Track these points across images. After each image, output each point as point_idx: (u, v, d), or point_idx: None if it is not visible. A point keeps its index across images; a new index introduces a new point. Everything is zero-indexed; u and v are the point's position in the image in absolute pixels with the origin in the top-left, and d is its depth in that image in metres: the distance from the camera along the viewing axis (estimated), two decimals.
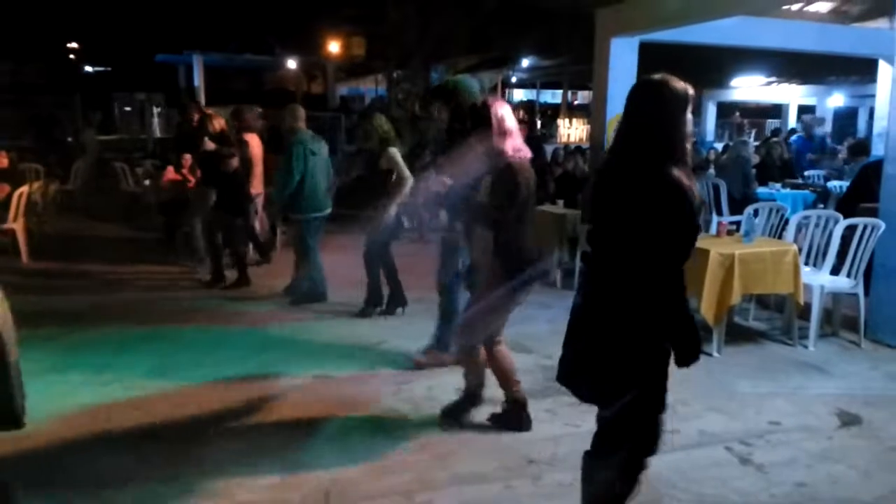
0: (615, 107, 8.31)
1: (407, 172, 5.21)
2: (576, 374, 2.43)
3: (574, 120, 17.86)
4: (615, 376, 2.29)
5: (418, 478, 3.17)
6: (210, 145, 6.31)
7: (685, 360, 2.28)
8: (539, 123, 19.42)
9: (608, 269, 2.30)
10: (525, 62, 17.08)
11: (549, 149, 10.62)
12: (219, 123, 6.51)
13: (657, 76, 2.24)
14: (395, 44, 15.49)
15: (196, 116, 7.02)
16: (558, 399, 4.04)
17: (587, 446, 2.49)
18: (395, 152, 5.29)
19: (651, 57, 8.47)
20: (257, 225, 7.06)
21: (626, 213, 2.21)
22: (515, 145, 3.36)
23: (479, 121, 3.35)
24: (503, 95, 19.47)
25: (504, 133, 3.33)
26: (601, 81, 8.46)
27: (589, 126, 9.17)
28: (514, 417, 3.66)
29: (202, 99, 17.21)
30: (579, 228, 6.42)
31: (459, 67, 16.47)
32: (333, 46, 18.26)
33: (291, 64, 20.68)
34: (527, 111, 20.90)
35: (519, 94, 23.17)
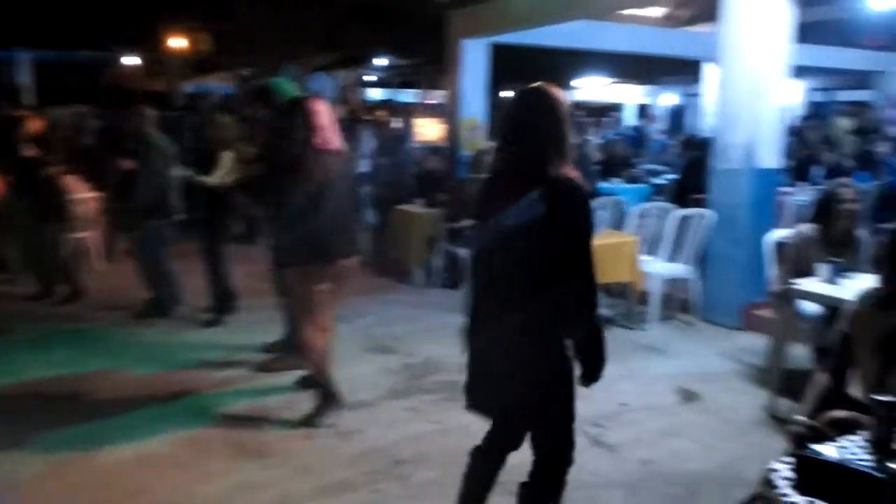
0: (468, 107, 8.51)
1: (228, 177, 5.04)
2: (489, 394, 2.37)
3: (429, 119, 18.09)
4: (531, 388, 2.26)
5: (282, 494, 3.06)
6: (29, 150, 5.73)
7: (596, 371, 2.28)
8: (396, 122, 19.43)
9: (513, 278, 2.24)
10: (381, 62, 17.07)
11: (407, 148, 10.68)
12: (35, 126, 5.94)
13: (540, 84, 2.32)
14: (244, 40, 14.95)
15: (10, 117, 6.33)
16: (420, 397, 4.07)
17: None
18: (228, 156, 5.06)
19: (502, 58, 8.76)
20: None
21: (533, 218, 2.17)
22: (325, 139, 3.51)
23: (292, 117, 3.52)
24: (358, 94, 19.34)
25: (315, 128, 3.49)
26: (454, 82, 8.61)
27: (444, 125, 9.30)
28: (324, 406, 3.69)
29: (31, 99, 15.72)
30: (441, 227, 6.50)
31: (315, 65, 16.17)
32: (176, 42, 17.29)
33: (131, 60, 19.39)
34: (385, 110, 20.86)
35: (377, 94, 23.22)
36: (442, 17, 8.32)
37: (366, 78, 19.75)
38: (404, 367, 4.49)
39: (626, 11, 9.10)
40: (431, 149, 8.97)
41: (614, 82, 17.97)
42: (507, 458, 2.44)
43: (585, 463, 3.29)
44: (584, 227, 2.19)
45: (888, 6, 6.30)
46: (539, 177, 2.16)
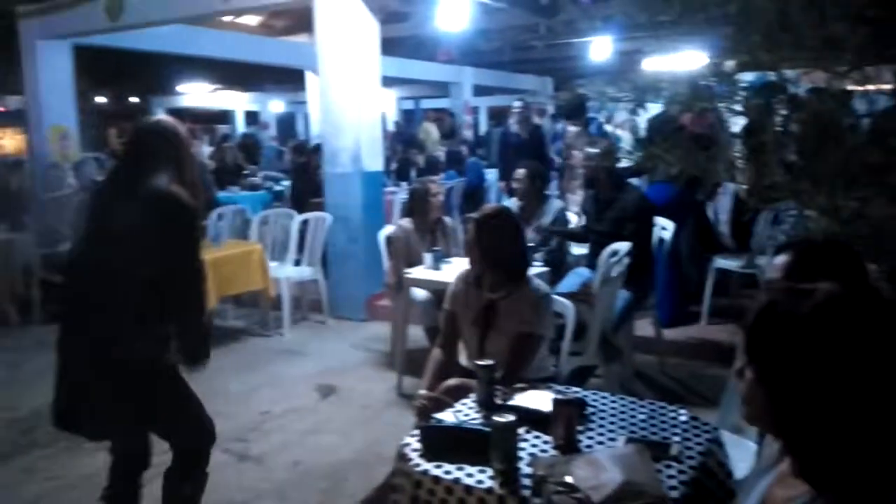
0: (53, 114, 7.53)
1: None
2: (80, 412, 2.20)
3: (6, 129, 15.59)
4: (128, 398, 2.17)
5: None
6: None
7: (198, 356, 2.29)
8: None
9: (108, 290, 2.15)
10: None
11: None
12: None
13: (155, 119, 2.43)
14: None
15: None
16: (34, 454, 3.51)
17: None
18: None
19: (92, 62, 7.92)
20: None
21: (134, 233, 2.14)
22: None
23: None
24: None
25: None
26: (33, 88, 7.53)
27: (24, 136, 8.07)
28: None
29: None
30: (33, 253, 5.64)
31: None
32: None
33: None
34: None
35: None
36: (11, 13, 7.19)
37: None
38: (9, 423, 3.82)
39: (226, 18, 9.01)
40: (11, 163, 7.70)
41: (218, 89, 17.66)
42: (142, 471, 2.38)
43: (233, 480, 3.24)
44: (188, 243, 2.23)
45: (452, 26, 7.35)
46: (142, 192, 2.16)
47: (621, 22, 3.03)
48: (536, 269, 3.90)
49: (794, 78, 2.42)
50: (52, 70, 7.41)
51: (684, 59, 3.05)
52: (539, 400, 2.06)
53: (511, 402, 2.09)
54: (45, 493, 3.15)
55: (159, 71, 10.37)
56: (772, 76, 2.43)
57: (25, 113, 7.86)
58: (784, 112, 2.39)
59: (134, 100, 18.29)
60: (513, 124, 7.41)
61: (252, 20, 10.01)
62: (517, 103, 7.35)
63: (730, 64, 2.53)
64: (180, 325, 2.25)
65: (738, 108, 2.53)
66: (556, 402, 1.87)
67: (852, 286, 1.03)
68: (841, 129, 2.39)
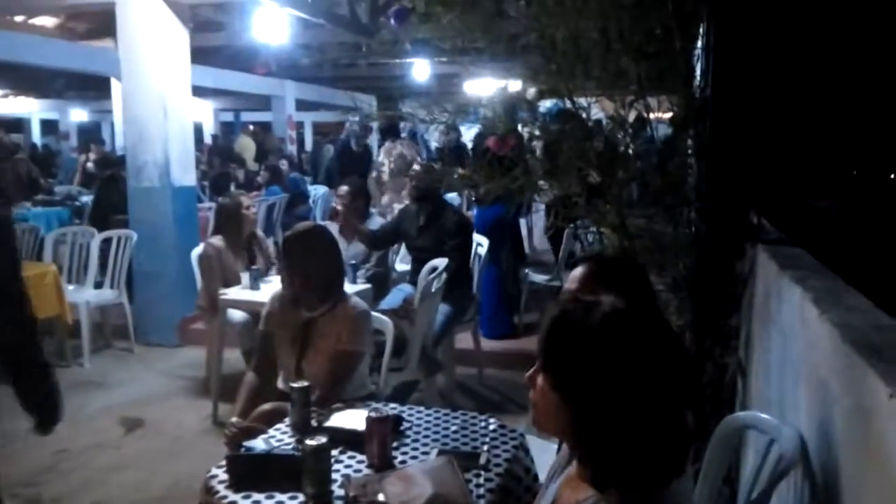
0: None
1: None
2: None
3: None
4: None
5: None
6: None
7: (53, 415, 2.03)
8: None
9: None
10: None
11: None
12: None
13: None
14: None
15: None
16: None
17: None
18: None
19: None
20: None
21: None
22: None
23: None
24: None
25: None
26: None
27: None
28: None
29: None
30: None
31: None
32: None
33: None
34: None
35: None
36: None
37: None
38: None
39: (17, 18, 8.15)
40: None
41: (10, 94, 15.93)
42: None
43: None
44: (10, 264, 1.95)
45: (269, 39, 7.19)
46: None
47: (433, 47, 3.13)
48: (359, 286, 3.90)
49: (586, 106, 2.63)
50: None
51: (500, 85, 3.22)
52: (355, 419, 2.04)
53: (326, 424, 2.06)
54: None
55: None
56: (567, 104, 2.62)
57: None
58: (579, 137, 2.59)
59: None
60: (351, 140, 7.46)
61: (48, 21, 9.14)
62: (353, 118, 7.38)
63: (531, 91, 2.71)
64: (21, 373, 1.94)
65: (538, 132, 2.70)
66: (369, 420, 1.87)
67: (634, 300, 1.13)
68: (630, 155, 2.64)
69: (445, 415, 2.19)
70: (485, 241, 4.63)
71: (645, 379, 1.04)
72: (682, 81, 2.51)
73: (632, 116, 2.64)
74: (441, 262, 3.96)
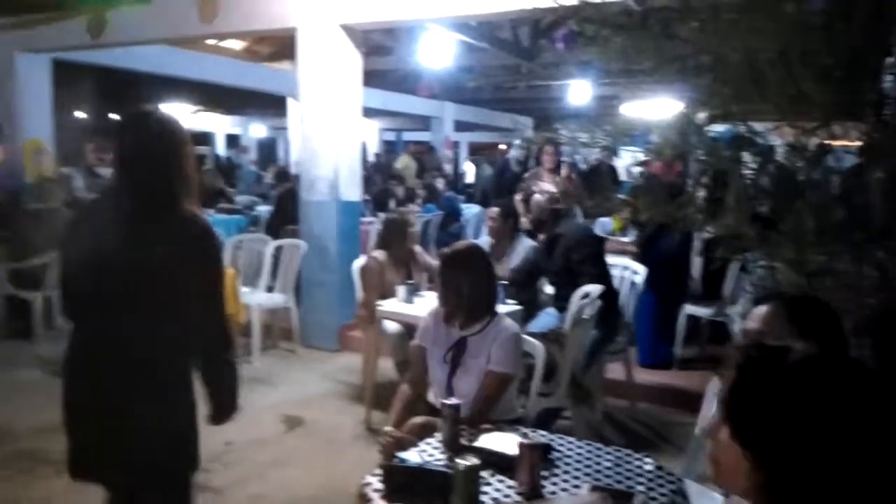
0: (31, 127, 7.47)
1: None
2: (106, 458, 2.03)
3: None
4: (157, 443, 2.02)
5: None
6: None
7: (229, 409, 2.18)
8: None
9: (132, 322, 1.96)
10: None
11: None
12: None
13: (147, 108, 2.09)
14: None
15: None
16: None
17: None
18: None
19: (73, 77, 7.89)
20: None
21: (149, 258, 1.92)
22: None
23: None
24: None
25: None
26: (9, 101, 7.48)
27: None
28: None
29: None
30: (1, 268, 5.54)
31: None
32: None
33: None
34: None
35: None
36: None
37: None
38: None
39: (210, 42, 9.04)
40: None
41: (199, 111, 17.64)
42: None
43: None
44: (215, 270, 2.08)
45: (435, 63, 7.46)
46: (161, 213, 1.97)
47: (598, 69, 3.08)
48: (509, 307, 3.91)
49: (763, 131, 2.48)
50: (29, 83, 7.36)
51: (661, 107, 3.12)
52: (505, 442, 2.05)
53: (476, 444, 2.08)
54: None
55: (141, 90, 10.33)
56: (741, 129, 2.49)
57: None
58: (753, 165, 2.44)
59: (115, 117, 18.18)
60: (512, 161, 7.58)
61: (237, 45, 10.05)
62: (518, 142, 7.52)
63: (701, 115, 2.59)
64: (211, 367, 2.08)
65: (708, 158, 2.58)
66: (522, 446, 1.86)
67: (828, 345, 1.03)
68: (809, 186, 2.45)
69: (598, 448, 2.14)
70: (640, 268, 4.48)
71: (852, 437, 0.92)
72: (872, 108, 2.30)
73: (812, 143, 2.45)
74: (594, 288, 3.89)
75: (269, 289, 5.65)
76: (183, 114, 17.52)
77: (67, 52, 7.46)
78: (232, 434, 4.01)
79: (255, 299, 5.45)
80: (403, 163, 12.03)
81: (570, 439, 2.21)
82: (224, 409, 2.17)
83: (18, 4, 6.49)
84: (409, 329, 4.03)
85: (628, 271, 4.50)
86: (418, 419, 2.48)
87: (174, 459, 2.09)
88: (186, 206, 2.00)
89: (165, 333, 1.97)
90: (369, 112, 12.84)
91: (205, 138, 19.75)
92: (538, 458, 1.87)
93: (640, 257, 4.66)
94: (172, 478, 2.13)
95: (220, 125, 19.28)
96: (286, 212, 7.08)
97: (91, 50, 7.16)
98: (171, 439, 2.06)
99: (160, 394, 2.01)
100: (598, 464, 2.03)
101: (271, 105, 13.24)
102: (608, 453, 2.11)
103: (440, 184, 10.46)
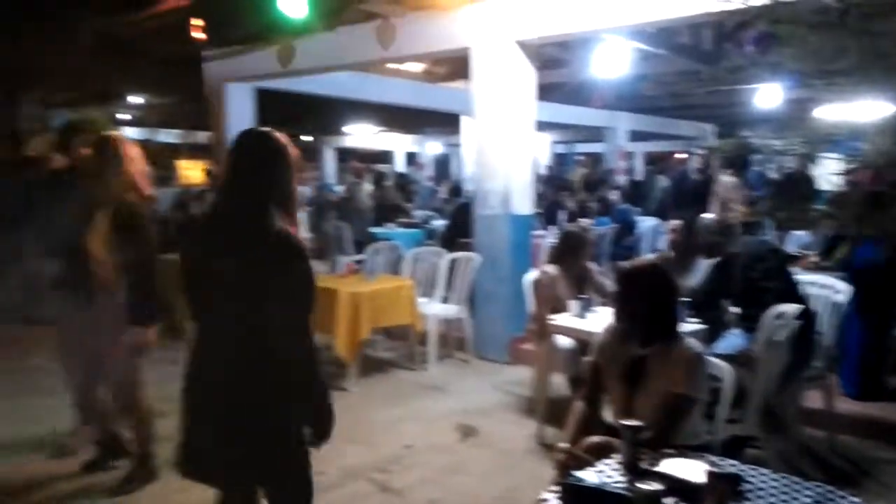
0: None
1: None
2: (220, 458, 2.16)
3: (194, 161, 17.28)
4: (270, 447, 2.14)
5: None
6: None
7: (327, 430, 2.18)
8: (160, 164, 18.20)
9: (240, 336, 2.09)
10: (136, 99, 15.92)
11: (169, 192, 10.05)
12: None
13: (261, 128, 2.24)
14: None
15: None
16: None
17: None
18: None
19: (272, 103, 8.69)
20: None
21: (245, 268, 2.04)
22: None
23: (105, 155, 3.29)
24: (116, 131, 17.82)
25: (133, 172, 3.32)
26: (219, 124, 8.39)
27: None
28: (142, 471, 3.49)
29: None
30: None
31: (56, 101, 14.64)
32: None
33: None
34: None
35: (133, 133, 21.60)
36: (199, 55, 8.06)
37: (119, 116, 18.31)
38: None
39: (391, 65, 9.53)
40: (199, 192, 8.55)
41: (382, 131, 18.63)
42: None
43: None
44: (305, 290, 2.07)
45: (609, 72, 7.31)
46: (259, 231, 2.03)
47: (790, 70, 2.85)
48: (691, 325, 3.72)
49: None
50: (236, 109, 8.21)
51: (865, 109, 2.82)
52: (689, 469, 1.95)
53: (658, 469, 2.00)
54: None
55: (329, 113, 11.15)
56: None
57: (212, 147, 8.74)
58: None
59: (307, 139, 19.71)
60: (692, 171, 7.26)
61: (416, 67, 10.51)
62: (699, 151, 7.20)
63: None
64: (306, 391, 2.10)
65: None
66: (711, 475, 1.76)
67: None
68: None
69: (796, 483, 1.96)
70: (843, 286, 4.07)
71: None
72: None
73: None
74: (790, 308, 3.59)
75: (445, 299, 5.83)
76: (367, 134, 18.66)
77: (266, 81, 8.23)
78: (410, 438, 4.19)
79: (431, 309, 5.64)
80: (577, 174, 11.89)
81: (764, 471, 2.05)
82: (321, 430, 2.17)
83: (224, 39, 7.28)
84: (581, 345, 3.96)
85: (828, 290, 4.10)
86: (595, 438, 2.43)
87: (293, 458, 2.18)
88: (276, 223, 2.03)
89: (265, 343, 2.04)
90: (541, 125, 12.87)
91: (386, 157, 20.85)
92: (727, 489, 1.76)
93: (843, 274, 4.23)
94: (292, 476, 2.21)
95: (399, 144, 20.25)
96: (460, 225, 7.27)
97: (283, 78, 7.84)
98: (287, 440, 2.15)
99: (277, 398, 2.10)
100: (797, 500, 1.86)
101: (446, 123, 13.69)
102: (808, 489, 1.93)
103: (614, 196, 10.20)
